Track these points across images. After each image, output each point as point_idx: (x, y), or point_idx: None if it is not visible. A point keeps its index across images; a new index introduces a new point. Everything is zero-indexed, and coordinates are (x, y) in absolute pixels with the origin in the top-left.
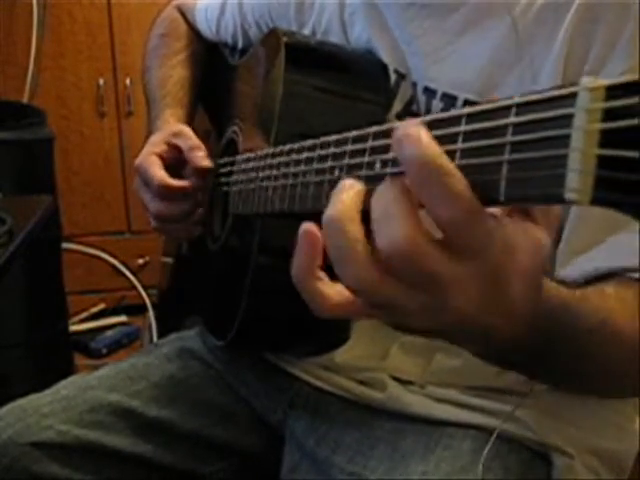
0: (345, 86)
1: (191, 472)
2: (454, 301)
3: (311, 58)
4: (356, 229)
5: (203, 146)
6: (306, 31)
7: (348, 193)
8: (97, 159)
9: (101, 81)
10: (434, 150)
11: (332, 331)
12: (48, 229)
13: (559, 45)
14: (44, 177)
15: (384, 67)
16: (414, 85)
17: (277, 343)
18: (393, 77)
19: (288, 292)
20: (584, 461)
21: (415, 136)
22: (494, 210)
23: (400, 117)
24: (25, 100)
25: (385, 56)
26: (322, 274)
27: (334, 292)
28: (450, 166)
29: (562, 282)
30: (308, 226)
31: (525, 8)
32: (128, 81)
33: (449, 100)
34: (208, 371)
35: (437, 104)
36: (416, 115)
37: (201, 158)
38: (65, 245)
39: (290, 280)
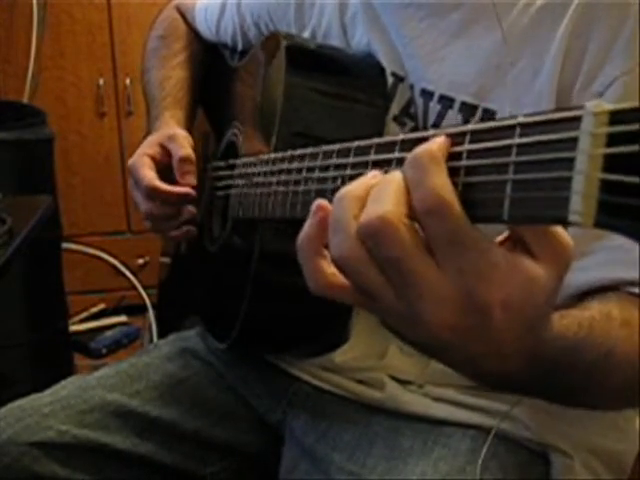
0: (344, 89)
1: (191, 472)
2: (426, 314)
3: (311, 61)
4: (356, 206)
5: (193, 158)
6: (306, 33)
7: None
8: (97, 159)
9: (101, 81)
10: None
11: (332, 332)
12: (48, 229)
13: (556, 47)
14: (44, 177)
15: (382, 70)
16: (411, 87)
17: (278, 345)
18: (390, 80)
19: (289, 295)
20: (583, 461)
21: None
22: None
23: (397, 119)
24: (25, 100)
25: (383, 59)
26: (325, 252)
27: (331, 272)
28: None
29: (566, 306)
30: (322, 202)
31: (522, 10)
32: (128, 81)
33: (447, 102)
34: (208, 371)
35: (434, 106)
36: (413, 116)
37: (185, 174)
38: (65, 245)
39: (291, 283)
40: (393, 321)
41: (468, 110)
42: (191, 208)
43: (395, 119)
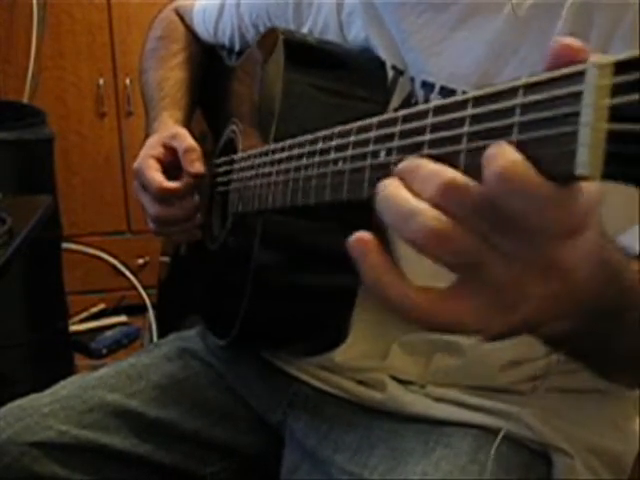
0: (343, 83)
1: (191, 472)
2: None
3: (309, 56)
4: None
5: (198, 148)
6: (304, 31)
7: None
8: (97, 159)
9: (101, 81)
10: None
11: (331, 330)
12: (48, 229)
13: (558, 36)
14: (44, 177)
15: (382, 63)
16: (412, 80)
17: (277, 342)
18: (391, 73)
19: (289, 291)
20: (584, 461)
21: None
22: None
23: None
24: (25, 100)
25: (382, 53)
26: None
27: (418, 290)
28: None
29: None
30: (360, 236)
31: (521, 1)
32: (128, 81)
33: (447, 93)
34: (208, 371)
35: (435, 98)
36: None
37: (193, 162)
38: (65, 245)
39: (291, 279)
40: (487, 300)
41: None
42: (200, 214)
43: (396, 112)
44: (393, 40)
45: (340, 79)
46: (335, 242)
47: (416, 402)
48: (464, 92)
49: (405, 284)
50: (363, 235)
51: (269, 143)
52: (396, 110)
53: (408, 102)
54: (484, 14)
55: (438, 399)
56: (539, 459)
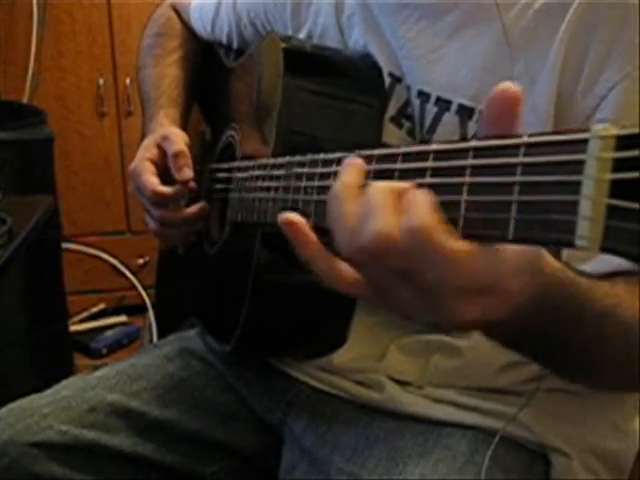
0: (341, 91)
1: (191, 472)
2: (454, 303)
3: (308, 64)
4: (350, 206)
5: (187, 152)
6: (302, 33)
7: (351, 170)
8: (97, 159)
9: (101, 81)
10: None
11: (331, 333)
12: (48, 229)
13: (556, 50)
14: (44, 177)
15: (379, 70)
16: (408, 88)
17: (278, 347)
18: (388, 80)
19: (289, 296)
20: (583, 461)
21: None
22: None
23: (394, 120)
24: (25, 100)
25: (380, 59)
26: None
27: (346, 267)
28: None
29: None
30: (287, 217)
31: (520, 13)
32: (128, 81)
33: (443, 104)
34: (208, 371)
35: (431, 108)
36: (410, 117)
37: (181, 168)
38: (65, 245)
39: (291, 284)
40: (405, 311)
41: (465, 112)
42: (197, 208)
43: (392, 120)
44: (391, 47)
45: (339, 86)
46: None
47: (414, 403)
48: (460, 105)
49: (332, 258)
50: (291, 216)
51: (269, 151)
52: (393, 118)
53: (404, 110)
54: (480, 24)
55: (436, 400)
56: (537, 460)
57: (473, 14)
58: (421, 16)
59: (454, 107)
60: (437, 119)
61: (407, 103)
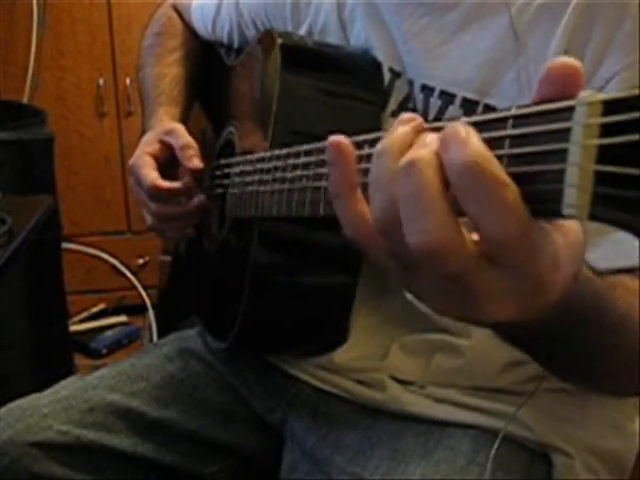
0: (340, 86)
1: (191, 472)
2: (488, 306)
3: (306, 59)
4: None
5: (195, 144)
6: (302, 31)
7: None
8: (97, 159)
9: (101, 81)
10: (485, 155)
11: (331, 331)
12: (48, 229)
13: (556, 43)
14: (44, 177)
15: (378, 66)
16: (411, 83)
17: (277, 344)
18: (387, 76)
19: (288, 293)
20: (584, 461)
21: (463, 137)
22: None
23: (395, 115)
24: (25, 100)
25: (380, 54)
26: (361, 195)
27: (369, 218)
28: (503, 175)
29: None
30: (338, 140)
31: (522, 7)
32: (128, 81)
33: (447, 98)
34: (208, 371)
35: (435, 102)
36: (412, 111)
37: (191, 158)
38: (65, 245)
39: (290, 281)
40: (430, 295)
41: (469, 106)
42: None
43: (393, 115)
44: (393, 42)
45: (337, 81)
46: (334, 243)
47: (416, 402)
48: (464, 98)
49: (360, 203)
50: (341, 140)
51: (266, 147)
52: (393, 113)
53: (405, 105)
54: (486, 18)
55: (438, 400)
56: (539, 460)
57: (478, 10)
58: (426, 11)
59: (458, 100)
60: (441, 112)
61: (408, 97)
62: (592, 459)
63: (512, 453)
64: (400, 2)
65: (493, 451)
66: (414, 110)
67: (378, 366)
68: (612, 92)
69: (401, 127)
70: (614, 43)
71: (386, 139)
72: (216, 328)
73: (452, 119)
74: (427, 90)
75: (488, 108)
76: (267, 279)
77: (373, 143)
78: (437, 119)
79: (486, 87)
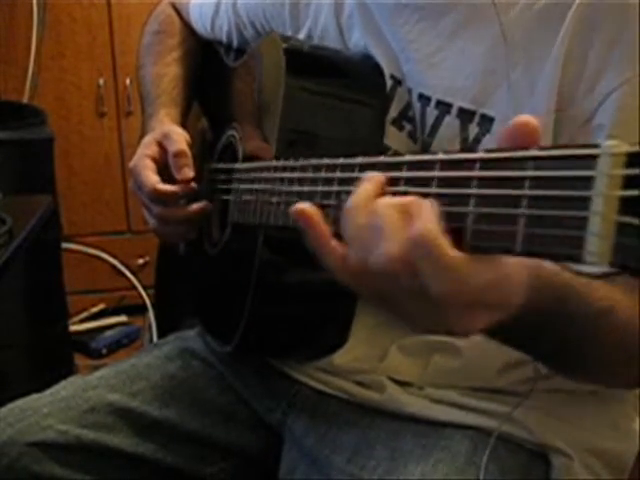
0: (344, 92)
1: (191, 472)
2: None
3: (310, 64)
4: (401, 216)
5: (188, 152)
6: (302, 34)
7: (368, 184)
8: (97, 159)
9: (101, 81)
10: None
11: (332, 334)
12: (48, 229)
13: (556, 52)
14: (44, 177)
15: (381, 72)
16: (409, 91)
17: (279, 348)
18: (389, 82)
19: (290, 297)
20: (583, 461)
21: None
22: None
23: (396, 122)
24: (25, 100)
25: (381, 61)
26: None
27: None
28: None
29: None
30: (302, 209)
31: (521, 13)
32: (128, 81)
33: (444, 107)
34: (208, 371)
35: (432, 111)
36: (411, 120)
37: (181, 168)
38: (65, 245)
39: (292, 284)
40: (411, 322)
41: (466, 116)
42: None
43: (394, 122)
44: (391, 50)
45: (341, 87)
46: None
47: (415, 403)
48: (460, 108)
49: (335, 250)
50: (305, 207)
51: (271, 153)
52: (394, 120)
53: (406, 112)
54: (478, 25)
55: (437, 400)
56: (537, 460)
57: (471, 15)
58: (420, 17)
59: (454, 110)
60: (438, 122)
61: (408, 106)
62: (591, 459)
63: (510, 453)
64: (394, 8)
65: (488, 451)
66: (413, 119)
67: (377, 367)
68: (613, 106)
69: (365, 184)
70: (614, 54)
71: (351, 197)
72: (219, 332)
73: (460, 108)
74: (424, 99)
75: (485, 118)
76: (272, 282)
77: (385, 167)
78: (434, 129)
79: (482, 97)
